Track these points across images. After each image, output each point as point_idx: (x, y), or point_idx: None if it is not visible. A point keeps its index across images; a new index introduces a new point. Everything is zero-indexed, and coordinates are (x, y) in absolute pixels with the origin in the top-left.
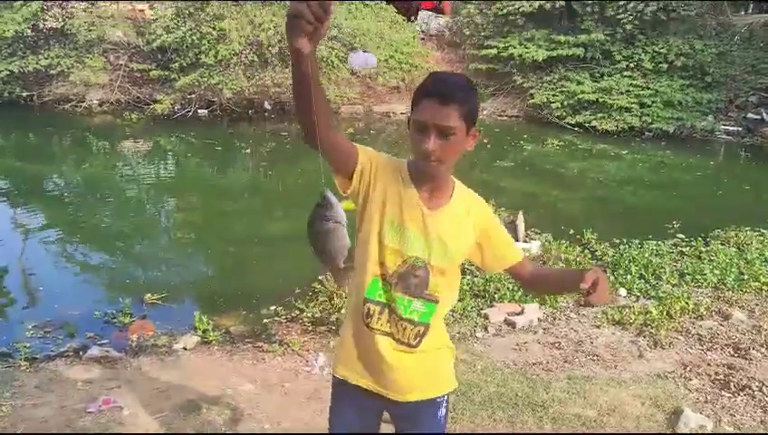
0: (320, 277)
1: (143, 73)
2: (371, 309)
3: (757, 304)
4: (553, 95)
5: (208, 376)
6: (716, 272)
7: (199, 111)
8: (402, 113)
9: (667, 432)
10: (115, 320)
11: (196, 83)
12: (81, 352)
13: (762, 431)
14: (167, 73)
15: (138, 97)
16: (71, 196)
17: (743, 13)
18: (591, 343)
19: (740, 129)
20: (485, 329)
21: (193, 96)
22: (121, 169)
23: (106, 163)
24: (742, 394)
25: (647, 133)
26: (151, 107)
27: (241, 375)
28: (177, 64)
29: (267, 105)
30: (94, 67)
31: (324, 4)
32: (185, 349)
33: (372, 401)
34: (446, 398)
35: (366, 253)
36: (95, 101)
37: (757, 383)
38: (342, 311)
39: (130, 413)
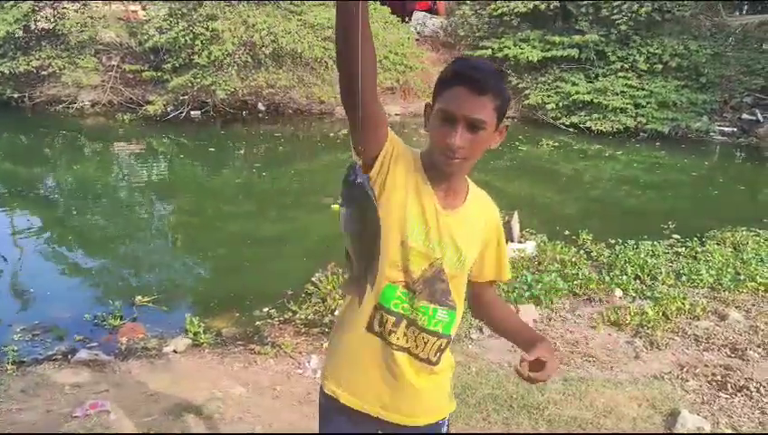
0: (312, 279)
1: (135, 74)
2: (385, 318)
3: (754, 305)
4: (548, 96)
5: (198, 379)
6: (712, 272)
7: (192, 112)
8: (397, 114)
9: (665, 433)
10: (105, 323)
11: (189, 84)
12: (69, 356)
13: (760, 432)
14: (159, 74)
15: (130, 98)
16: (62, 197)
17: (737, 14)
18: (587, 344)
19: (735, 129)
20: (480, 330)
21: (186, 97)
22: (114, 170)
23: (98, 165)
24: (739, 395)
25: (642, 134)
26: (144, 108)
27: (232, 378)
28: (169, 65)
29: (261, 106)
30: (86, 68)
31: None
32: (175, 352)
33: (367, 424)
34: (448, 417)
35: (382, 252)
36: (87, 103)
37: (755, 384)
38: (336, 312)
39: (118, 417)
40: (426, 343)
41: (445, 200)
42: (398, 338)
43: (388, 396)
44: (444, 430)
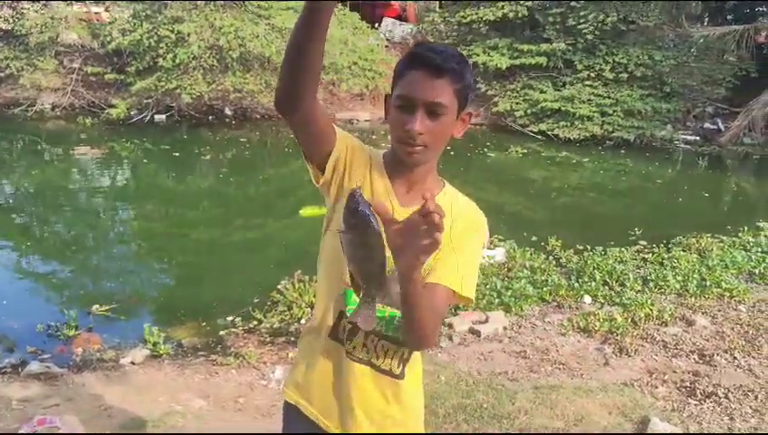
0: (278, 286)
1: (98, 77)
2: (345, 326)
3: (719, 310)
4: (517, 103)
5: (157, 392)
6: (679, 278)
7: (156, 116)
8: (366, 120)
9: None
10: (59, 333)
11: (154, 88)
12: (19, 368)
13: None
14: (122, 77)
15: (92, 101)
16: (20, 204)
17: (699, 25)
18: (557, 350)
19: (697, 138)
20: (450, 338)
21: (150, 101)
22: (75, 175)
23: (58, 170)
24: (708, 401)
25: (608, 142)
26: (106, 112)
27: (192, 391)
28: (133, 68)
29: (228, 111)
30: (46, 70)
31: None
32: (133, 363)
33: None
34: None
35: (336, 256)
36: (47, 106)
37: (723, 390)
38: (303, 320)
39: (68, 433)
40: (386, 353)
41: (406, 196)
42: (354, 347)
43: (346, 411)
44: None
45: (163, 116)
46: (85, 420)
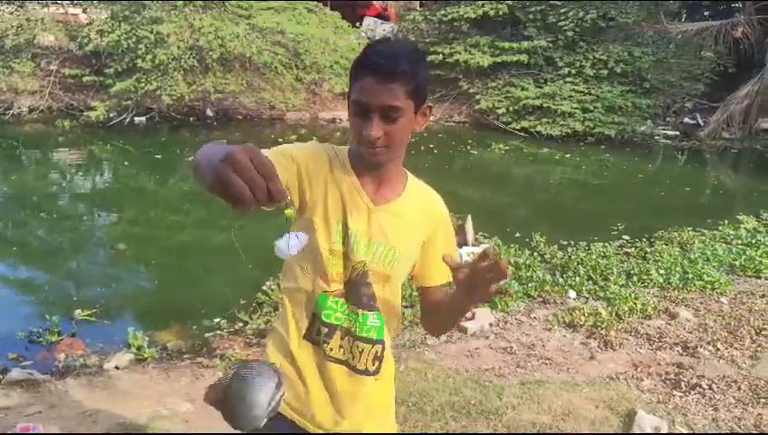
0: (263, 287)
1: (76, 79)
2: (319, 329)
3: (702, 303)
4: (499, 101)
5: (141, 397)
6: (662, 272)
7: (136, 118)
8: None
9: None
10: (41, 339)
11: (133, 89)
12: (1, 376)
13: (714, 430)
14: (101, 79)
15: (71, 104)
16: None
17: (677, 22)
18: (543, 346)
19: (677, 133)
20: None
21: (130, 102)
22: (54, 179)
23: (37, 174)
24: (693, 393)
25: (589, 138)
26: (85, 114)
27: (178, 394)
28: (112, 70)
29: (209, 112)
30: (23, 72)
31: (276, 191)
32: (117, 368)
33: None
34: None
35: (314, 262)
36: (24, 109)
37: (707, 381)
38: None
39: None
40: (362, 353)
41: (377, 194)
42: (331, 349)
43: (321, 410)
44: None
45: (143, 118)
46: (69, 426)
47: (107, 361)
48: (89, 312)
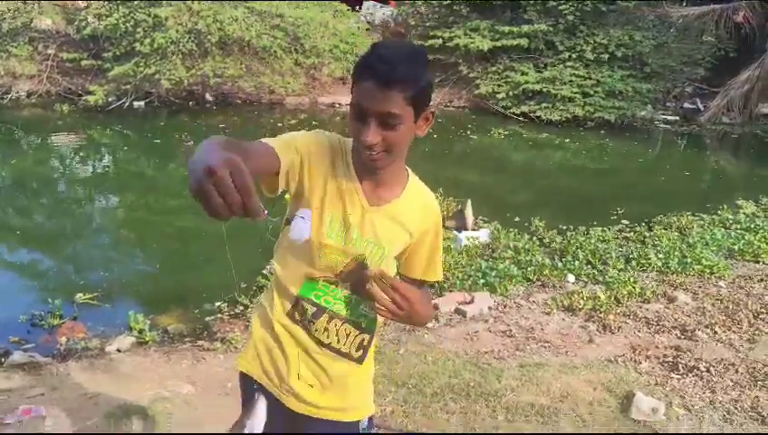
0: (263, 271)
1: (74, 63)
2: (306, 309)
3: (700, 287)
4: (498, 85)
5: (143, 379)
6: (660, 256)
7: (135, 102)
8: (348, 105)
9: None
10: (43, 322)
11: (132, 73)
12: (2, 359)
13: (710, 412)
14: (99, 63)
15: (69, 88)
16: None
17: (678, 5)
18: (542, 329)
19: (677, 118)
20: (436, 319)
21: (128, 87)
22: (53, 164)
23: (37, 159)
24: (690, 375)
25: (589, 123)
26: (83, 98)
27: (179, 377)
28: (110, 54)
29: (209, 96)
30: (20, 56)
31: (252, 209)
32: (118, 351)
33: (282, 412)
34: (366, 419)
35: (302, 250)
36: (23, 93)
37: (704, 364)
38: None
39: (54, 423)
40: (347, 335)
41: (373, 194)
42: (316, 330)
43: (301, 388)
44: (361, 431)
45: (142, 102)
46: (71, 408)
47: (108, 344)
48: (90, 295)
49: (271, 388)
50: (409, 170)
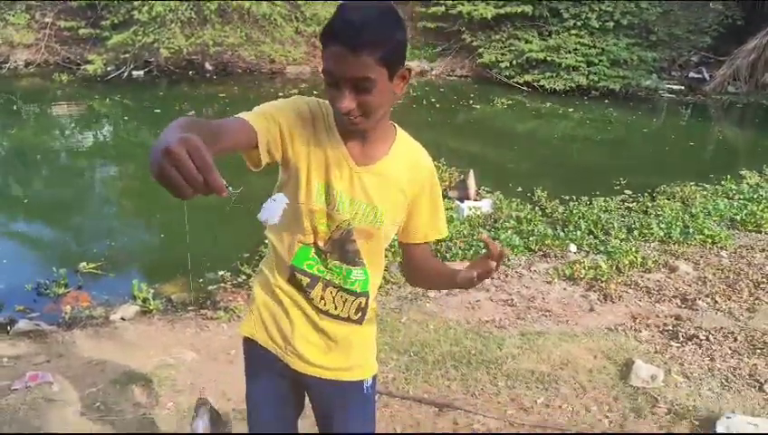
0: (265, 241)
1: (72, 32)
2: (300, 278)
3: (702, 256)
4: (502, 54)
5: (147, 347)
6: (663, 226)
7: (134, 72)
8: None
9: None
10: (48, 291)
11: (130, 42)
12: (8, 327)
13: (708, 378)
14: (97, 32)
15: (67, 57)
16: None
17: None
18: (543, 298)
19: (682, 87)
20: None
21: (127, 56)
22: (53, 134)
23: (37, 129)
24: (690, 343)
25: (593, 92)
26: (82, 68)
27: (183, 344)
28: (108, 22)
29: (208, 66)
30: (17, 25)
31: (213, 185)
32: (123, 319)
33: (286, 371)
34: (371, 379)
35: (293, 217)
36: (21, 62)
37: (704, 332)
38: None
39: (60, 389)
40: (345, 302)
41: (361, 154)
42: (313, 299)
43: (306, 349)
44: (365, 390)
45: (141, 72)
46: (77, 375)
47: (113, 312)
48: (94, 265)
49: (276, 351)
50: (397, 127)
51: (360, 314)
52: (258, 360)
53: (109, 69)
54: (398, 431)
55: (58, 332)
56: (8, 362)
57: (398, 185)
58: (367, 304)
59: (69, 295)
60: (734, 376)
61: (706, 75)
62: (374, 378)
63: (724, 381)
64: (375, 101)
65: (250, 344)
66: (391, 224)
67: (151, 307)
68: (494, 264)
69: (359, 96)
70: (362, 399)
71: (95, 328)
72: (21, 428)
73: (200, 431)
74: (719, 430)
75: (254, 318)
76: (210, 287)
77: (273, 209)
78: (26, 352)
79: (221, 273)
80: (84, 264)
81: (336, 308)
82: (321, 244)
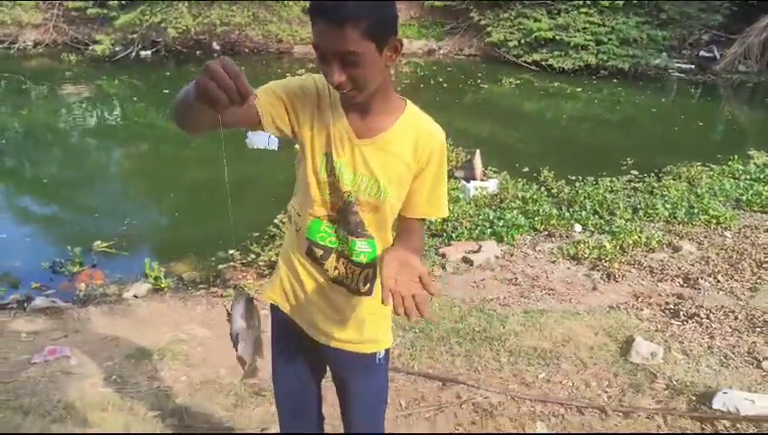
0: (275, 220)
1: (80, 12)
2: (315, 251)
3: (706, 236)
4: (510, 33)
5: (160, 323)
6: (668, 206)
7: (142, 52)
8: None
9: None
10: (63, 269)
11: (138, 22)
12: (25, 304)
13: (707, 356)
14: (105, 12)
15: (75, 38)
16: (10, 144)
17: None
18: (547, 277)
19: (692, 66)
20: (443, 267)
21: (135, 36)
22: (63, 115)
23: (47, 109)
24: (690, 322)
25: (602, 71)
26: (90, 48)
27: (195, 321)
28: (115, 1)
29: (216, 45)
30: (26, 5)
31: (243, 88)
32: (135, 297)
33: (305, 337)
34: (383, 352)
35: (305, 190)
36: (29, 43)
37: (705, 311)
38: None
39: (78, 362)
40: (353, 274)
41: (363, 127)
42: (327, 270)
43: (321, 321)
44: (378, 361)
45: (149, 52)
46: (93, 350)
47: (126, 290)
48: (107, 244)
49: (295, 317)
50: (408, 102)
51: (368, 286)
52: (281, 325)
53: (117, 49)
54: (403, 405)
55: (73, 308)
56: (27, 337)
57: (401, 159)
58: (374, 275)
59: (83, 273)
60: (733, 353)
61: (717, 54)
62: (387, 351)
63: (722, 358)
64: (365, 74)
65: (274, 309)
66: (396, 198)
67: (163, 285)
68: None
69: (347, 70)
70: (375, 367)
71: (109, 305)
72: (41, 400)
73: (237, 314)
74: (716, 405)
75: (277, 285)
76: (220, 266)
77: (258, 140)
78: (44, 327)
79: (231, 252)
80: (98, 242)
81: (347, 278)
82: (328, 214)
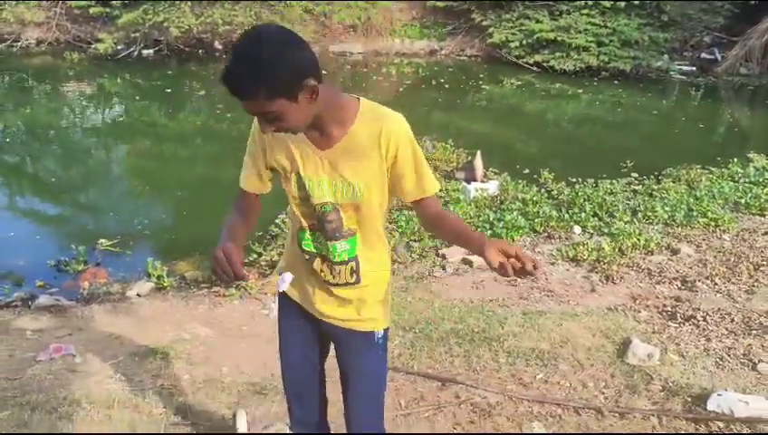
0: (276, 220)
1: (82, 10)
2: (306, 257)
3: (704, 239)
4: (512, 34)
5: (163, 322)
6: (667, 208)
7: (144, 50)
8: (359, 53)
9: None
10: (67, 268)
11: (140, 21)
12: (29, 302)
13: (704, 358)
14: (108, 10)
15: (78, 36)
16: (13, 142)
17: None
18: (546, 279)
19: (693, 68)
20: (443, 268)
21: (137, 35)
22: (66, 113)
23: (49, 107)
24: (687, 324)
25: (603, 73)
26: (93, 47)
27: (197, 320)
28: (118, 0)
29: (218, 45)
30: (28, 3)
31: (237, 274)
32: (138, 296)
33: (310, 317)
34: (382, 331)
35: (291, 204)
36: (32, 41)
37: (702, 314)
38: None
39: (83, 360)
40: (339, 273)
41: (322, 140)
42: (314, 271)
43: (321, 304)
44: (376, 340)
45: (151, 51)
46: (97, 348)
47: (129, 289)
48: (110, 242)
49: (301, 302)
50: (361, 100)
51: (355, 277)
52: (287, 307)
53: (119, 48)
54: (403, 404)
55: (77, 307)
56: (32, 334)
57: (368, 156)
58: (357, 265)
59: (87, 272)
60: (729, 356)
61: (719, 56)
62: (386, 331)
63: (718, 360)
64: (289, 120)
65: (282, 295)
66: (376, 193)
67: (165, 284)
68: (511, 271)
69: (274, 123)
70: (373, 345)
71: (113, 304)
72: (47, 397)
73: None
74: (710, 406)
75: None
76: None
77: (284, 280)
78: (48, 325)
79: None
80: (102, 241)
81: (334, 278)
82: (308, 224)
